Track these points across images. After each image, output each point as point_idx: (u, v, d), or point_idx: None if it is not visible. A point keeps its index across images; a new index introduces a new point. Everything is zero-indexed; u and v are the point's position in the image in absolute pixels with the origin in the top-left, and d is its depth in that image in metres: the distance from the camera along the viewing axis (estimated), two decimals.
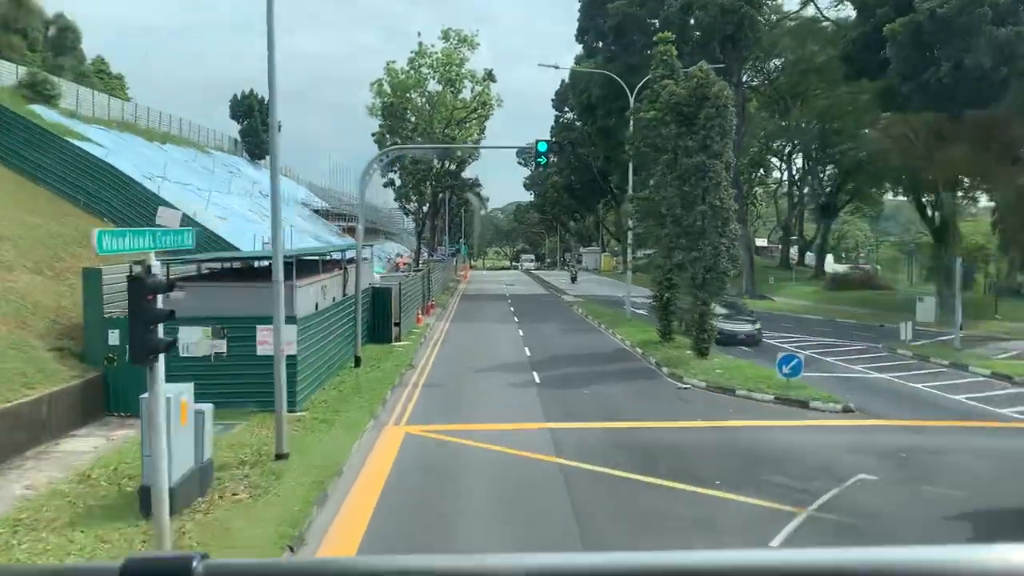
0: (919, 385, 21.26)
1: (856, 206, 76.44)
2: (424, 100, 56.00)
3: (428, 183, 59.24)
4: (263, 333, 15.40)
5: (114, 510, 10.33)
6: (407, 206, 66.21)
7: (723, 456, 14.18)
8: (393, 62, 55.68)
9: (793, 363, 18.68)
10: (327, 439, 14.38)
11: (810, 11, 54.99)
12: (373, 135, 58.63)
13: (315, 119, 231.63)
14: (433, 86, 55.56)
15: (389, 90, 55.56)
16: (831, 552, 0.94)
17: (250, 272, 23.39)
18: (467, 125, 57.87)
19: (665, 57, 27.81)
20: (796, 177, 73.16)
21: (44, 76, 36.37)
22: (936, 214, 44.09)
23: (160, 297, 8.30)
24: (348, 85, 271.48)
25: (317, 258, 23.55)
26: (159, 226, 16.65)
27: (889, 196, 65.71)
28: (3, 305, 16.65)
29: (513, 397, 19.34)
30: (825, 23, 52.84)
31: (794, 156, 72.13)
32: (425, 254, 63.54)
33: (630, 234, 34.10)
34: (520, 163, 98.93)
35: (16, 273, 18.78)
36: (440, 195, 62.96)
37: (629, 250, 39.26)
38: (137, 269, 8.39)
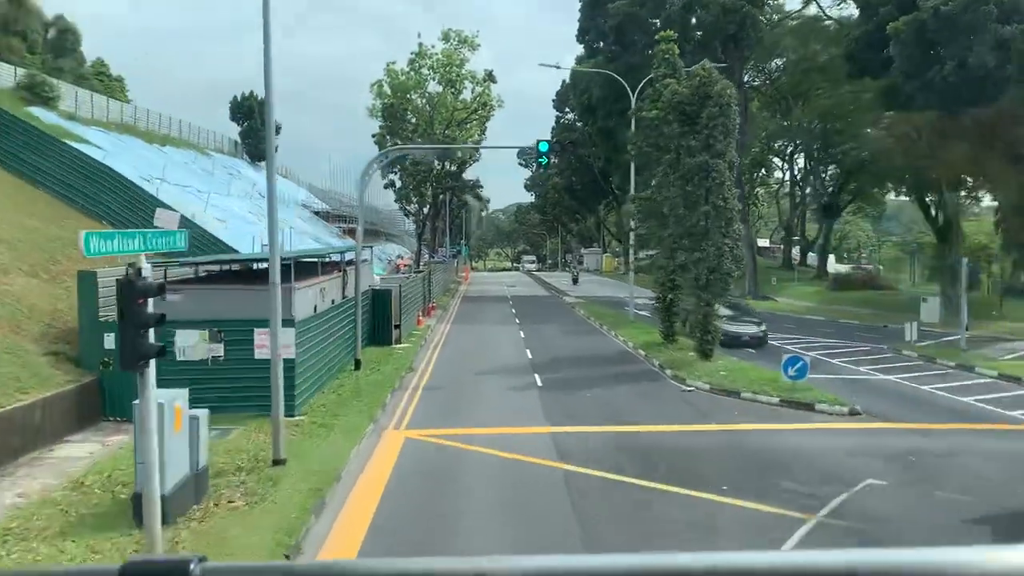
0: (926, 387, 20.99)
1: (858, 206, 76.14)
2: (424, 101, 55.79)
3: (428, 184, 59.02)
4: (261, 336, 15.13)
5: (107, 519, 10.11)
6: (407, 207, 66.05)
7: (729, 460, 13.96)
8: (393, 63, 55.56)
9: (799, 365, 18.44)
10: (325, 444, 14.15)
11: (812, 10, 54.83)
12: (373, 136, 58.53)
13: (315, 120, 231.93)
14: (433, 87, 55.40)
15: (389, 91, 55.35)
16: (834, 554, 0.93)
17: (248, 274, 23.20)
18: (467, 126, 57.65)
19: (667, 56, 27.52)
20: (798, 177, 72.97)
21: (43, 78, 36.21)
22: (939, 214, 43.85)
23: (151, 300, 8.08)
24: (348, 86, 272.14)
25: (316, 260, 23.31)
26: (157, 228, 16.40)
27: (891, 196, 65.45)
28: None
29: (514, 400, 19.09)
30: (827, 22, 52.58)
31: (796, 156, 71.98)
32: (426, 256, 63.30)
33: (632, 235, 33.81)
34: (521, 164, 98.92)
35: (11, 276, 18.57)
36: (440, 196, 62.74)
37: (631, 251, 39.02)
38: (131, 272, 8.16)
